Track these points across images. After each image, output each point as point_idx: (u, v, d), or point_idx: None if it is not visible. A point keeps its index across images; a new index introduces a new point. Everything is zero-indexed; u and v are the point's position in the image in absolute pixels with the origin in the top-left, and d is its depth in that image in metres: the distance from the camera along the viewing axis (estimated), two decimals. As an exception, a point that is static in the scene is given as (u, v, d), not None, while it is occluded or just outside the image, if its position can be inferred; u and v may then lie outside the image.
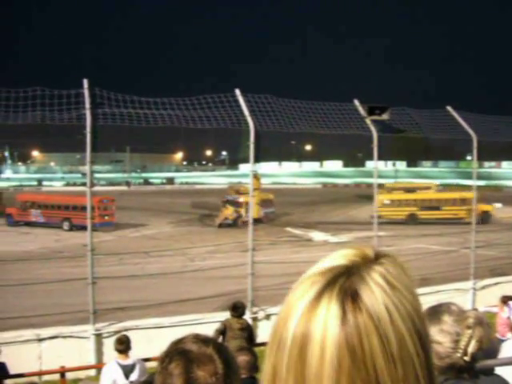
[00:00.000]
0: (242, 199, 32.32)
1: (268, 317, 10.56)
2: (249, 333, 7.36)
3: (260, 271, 11.07)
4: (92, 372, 8.67)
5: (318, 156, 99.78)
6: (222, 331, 7.11)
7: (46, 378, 8.11)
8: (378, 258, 0.66)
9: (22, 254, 21.13)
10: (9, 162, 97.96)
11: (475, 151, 12.58)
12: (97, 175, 68.62)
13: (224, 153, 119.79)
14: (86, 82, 9.50)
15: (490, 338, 2.09)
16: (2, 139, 77.66)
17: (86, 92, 9.46)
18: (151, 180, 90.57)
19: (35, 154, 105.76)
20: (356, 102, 11.82)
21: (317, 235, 27.74)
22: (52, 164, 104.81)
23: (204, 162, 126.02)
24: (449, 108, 12.55)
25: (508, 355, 4.03)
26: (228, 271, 15.73)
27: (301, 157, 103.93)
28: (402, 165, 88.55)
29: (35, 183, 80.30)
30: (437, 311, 1.90)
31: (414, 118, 12.67)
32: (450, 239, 23.75)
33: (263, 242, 19.17)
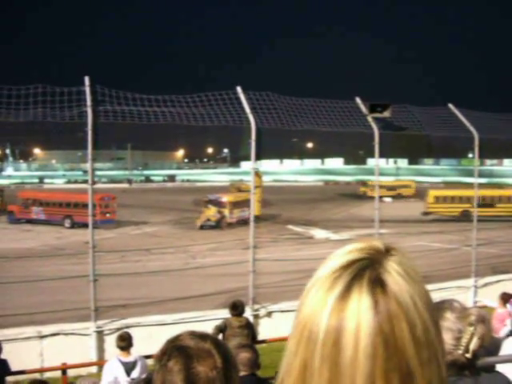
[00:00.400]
0: (225, 199, 30.67)
1: (269, 314, 10.58)
2: (249, 330, 7.36)
3: (261, 269, 11.08)
4: (93, 369, 8.69)
5: (319, 153, 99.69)
6: (222, 329, 7.12)
7: (47, 375, 8.12)
8: (388, 250, 0.70)
9: (24, 251, 21.18)
10: (10, 159, 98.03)
11: (477, 149, 12.57)
12: (98, 173, 68.54)
13: (225, 150, 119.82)
14: (87, 80, 9.49)
15: (492, 335, 2.08)
16: (3, 136, 77.84)
17: (88, 89, 9.45)
18: (152, 177, 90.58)
19: (37, 151, 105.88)
20: (358, 100, 11.81)
21: (318, 233, 27.75)
22: (53, 161, 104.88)
23: (205, 160, 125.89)
24: (450, 106, 12.53)
25: (509, 352, 4.03)
26: (229, 269, 15.72)
27: (302, 154, 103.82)
28: (403, 162, 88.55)
29: (37, 181, 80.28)
30: (439, 308, 1.90)
31: (416, 116, 12.65)
32: (451, 237, 23.74)
33: (264, 240, 19.16)
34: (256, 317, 10.35)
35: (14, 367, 6.81)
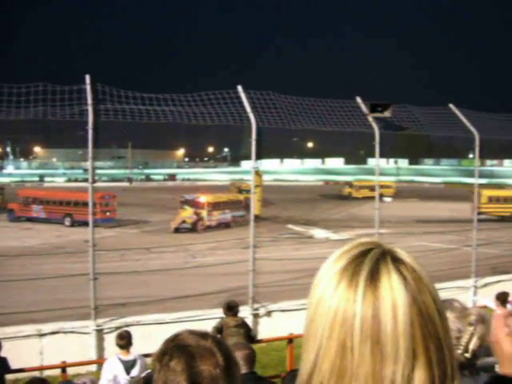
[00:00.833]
0: (203, 199, 28.03)
1: (269, 313, 10.57)
2: (245, 329, 7.39)
3: (261, 268, 11.07)
4: (93, 367, 8.68)
5: (319, 153, 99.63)
6: (219, 329, 7.15)
7: (46, 373, 8.11)
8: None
9: (24, 249, 21.18)
10: (11, 157, 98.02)
11: (477, 149, 12.55)
12: (99, 171, 68.57)
13: (226, 149, 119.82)
14: (88, 78, 9.48)
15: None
16: (4, 135, 77.73)
17: (88, 88, 9.44)
18: (153, 176, 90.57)
19: (37, 149, 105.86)
20: (358, 100, 11.79)
21: (318, 232, 27.74)
22: (54, 160, 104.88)
23: (206, 159, 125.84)
24: (451, 106, 12.52)
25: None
26: (229, 268, 15.71)
27: (303, 154, 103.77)
28: (403, 162, 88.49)
29: (37, 179, 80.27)
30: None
31: (416, 116, 12.63)
32: (451, 237, 23.73)
33: (264, 239, 19.15)
34: (256, 316, 10.35)
35: (13, 365, 6.81)
